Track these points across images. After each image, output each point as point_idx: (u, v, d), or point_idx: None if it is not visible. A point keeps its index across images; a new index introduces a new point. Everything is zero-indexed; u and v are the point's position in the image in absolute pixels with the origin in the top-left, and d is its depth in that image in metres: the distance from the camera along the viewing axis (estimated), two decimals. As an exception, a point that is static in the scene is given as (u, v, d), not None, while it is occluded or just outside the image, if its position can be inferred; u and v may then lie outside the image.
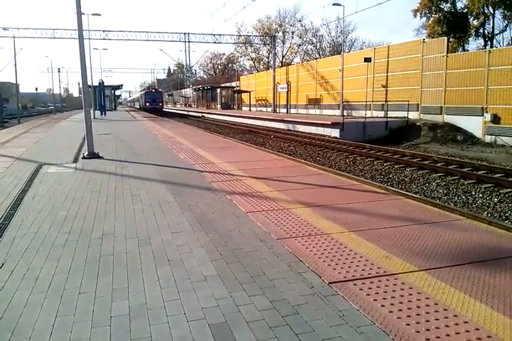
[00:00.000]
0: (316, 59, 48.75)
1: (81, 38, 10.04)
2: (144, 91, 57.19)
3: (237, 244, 4.02)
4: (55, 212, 5.20)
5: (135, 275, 3.35)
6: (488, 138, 20.60)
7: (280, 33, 66.97)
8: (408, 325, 2.58)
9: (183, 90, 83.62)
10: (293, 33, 67.40)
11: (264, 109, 46.14)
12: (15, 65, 41.80)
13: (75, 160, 9.61)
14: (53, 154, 10.67)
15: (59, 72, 69.54)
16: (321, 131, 23.70)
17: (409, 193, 9.07)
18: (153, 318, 2.70)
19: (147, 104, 51.29)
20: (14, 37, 39.77)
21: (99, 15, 33.44)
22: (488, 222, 6.01)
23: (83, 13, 11.04)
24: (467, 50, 39.18)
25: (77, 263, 3.59)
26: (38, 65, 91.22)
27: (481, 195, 9.84)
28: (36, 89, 75.52)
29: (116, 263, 3.60)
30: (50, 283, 3.23)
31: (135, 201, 5.74)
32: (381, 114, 26.98)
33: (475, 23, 44.19)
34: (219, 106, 53.82)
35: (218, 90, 55.58)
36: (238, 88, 54.69)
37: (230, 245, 4.00)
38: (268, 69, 55.73)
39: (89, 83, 24.05)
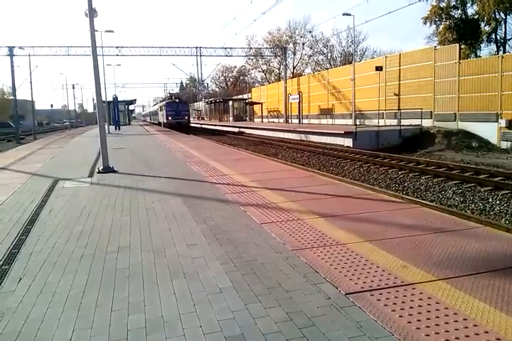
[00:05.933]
0: (327, 69, 48.91)
1: (95, 55, 10.24)
2: (164, 102, 45.68)
3: (252, 256, 4.00)
4: (71, 227, 5.25)
5: (151, 288, 3.36)
6: (503, 144, 20.31)
7: (291, 45, 67.47)
8: (428, 335, 2.54)
9: (195, 103, 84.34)
10: (303, 44, 67.76)
11: (276, 120, 46.28)
12: (30, 82, 42.91)
13: (91, 175, 9.71)
14: (69, 169, 10.81)
15: (73, 88, 71.05)
16: (333, 140, 23.65)
17: (425, 201, 8.97)
18: (169, 331, 2.70)
19: (169, 117, 40.85)
20: (30, 55, 40.69)
21: (112, 31, 34.53)
22: (507, 229, 5.93)
23: (96, 30, 11.28)
24: (479, 56, 38.91)
25: (93, 277, 3.61)
26: (53, 82, 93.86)
27: (498, 202, 9.68)
28: (51, 106, 76.87)
29: (132, 276, 3.62)
30: (67, 297, 3.25)
31: (150, 214, 5.77)
32: (394, 122, 26.81)
33: (486, 28, 43.93)
34: (231, 118, 54.02)
35: (230, 102, 55.83)
36: (250, 100, 54.97)
37: (245, 257, 3.99)
38: (279, 80, 56.10)
39: (104, 98, 24.42)
